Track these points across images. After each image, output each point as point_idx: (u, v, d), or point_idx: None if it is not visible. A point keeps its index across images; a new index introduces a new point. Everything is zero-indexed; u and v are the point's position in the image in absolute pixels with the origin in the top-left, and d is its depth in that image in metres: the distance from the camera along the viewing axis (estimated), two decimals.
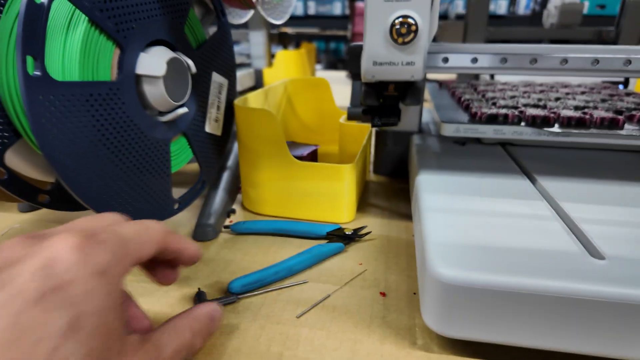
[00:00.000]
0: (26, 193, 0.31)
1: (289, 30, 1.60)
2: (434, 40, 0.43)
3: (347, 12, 2.50)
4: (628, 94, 0.57)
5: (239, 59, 1.19)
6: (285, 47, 1.48)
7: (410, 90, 0.42)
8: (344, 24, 2.28)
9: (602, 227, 0.28)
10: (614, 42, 1.07)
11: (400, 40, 0.38)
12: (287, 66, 1.16)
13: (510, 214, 0.30)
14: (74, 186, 0.27)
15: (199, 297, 0.31)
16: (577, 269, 0.23)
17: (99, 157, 0.28)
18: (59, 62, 0.25)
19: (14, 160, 0.30)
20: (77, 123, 0.26)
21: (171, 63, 0.32)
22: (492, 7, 2.30)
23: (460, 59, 0.43)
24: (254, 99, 0.48)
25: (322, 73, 1.51)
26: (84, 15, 0.26)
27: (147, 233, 0.20)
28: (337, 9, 2.59)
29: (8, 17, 0.26)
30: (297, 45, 1.63)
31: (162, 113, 0.34)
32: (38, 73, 0.23)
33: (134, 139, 0.31)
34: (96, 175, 0.28)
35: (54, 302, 0.14)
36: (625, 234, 0.27)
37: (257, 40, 1.18)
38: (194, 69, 0.34)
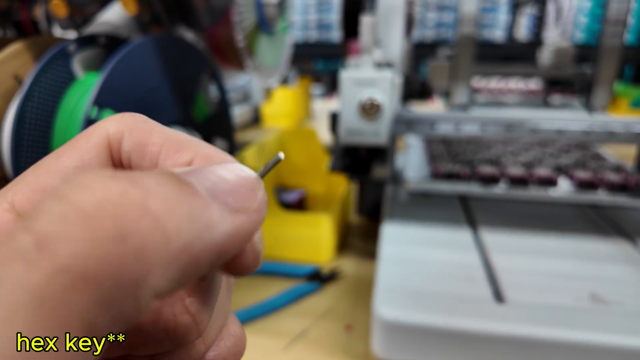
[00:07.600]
0: None
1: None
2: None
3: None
4: (577, 146, 0.66)
5: (238, 95, 1.28)
6: (285, 80, 1.58)
7: (378, 154, 0.51)
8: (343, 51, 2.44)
9: (514, 275, 0.36)
10: (589, 83, 1.16)
11: (367, 115, 0.46)
12: (285, 103, 1.25)
13: (447, 264, 0.38)
14: None
15: None
16: (481, 311, 0.31)
17: None
18: None
19: None
20: None
21: None
22: (488, 35, 2.36)
23: (421, 126, 0.51)
24: (250, 156, 0.56)
25: (320, 104, 1.60)
26: None
27: None
28: (335, 37, 2.74)
29: (61, 117, 0.35)
30: (298, 69, 1.73)
31: None
32: None
33: None
34: None
35: None
36: (530, 281, 0.35)
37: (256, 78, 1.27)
38: None
